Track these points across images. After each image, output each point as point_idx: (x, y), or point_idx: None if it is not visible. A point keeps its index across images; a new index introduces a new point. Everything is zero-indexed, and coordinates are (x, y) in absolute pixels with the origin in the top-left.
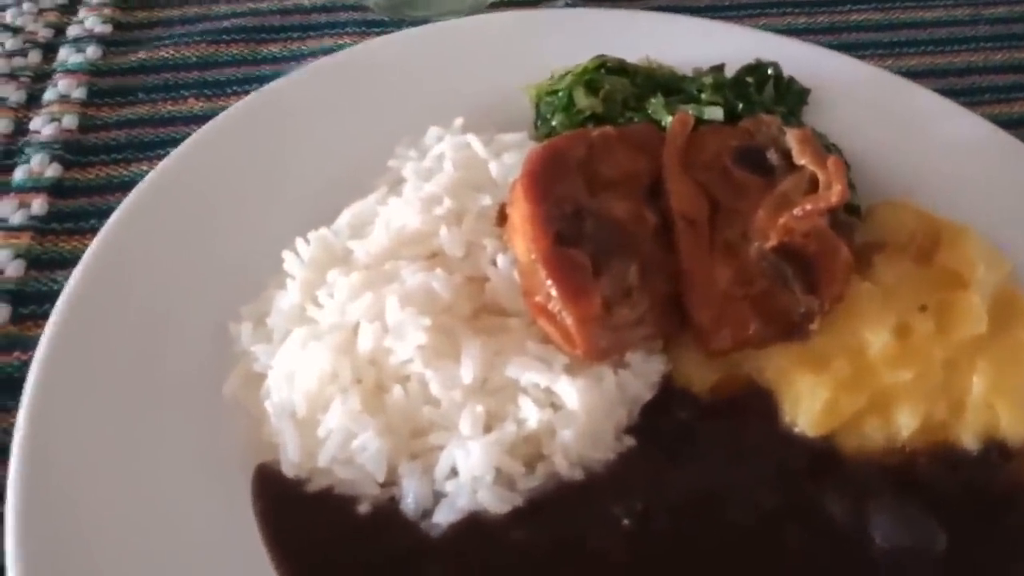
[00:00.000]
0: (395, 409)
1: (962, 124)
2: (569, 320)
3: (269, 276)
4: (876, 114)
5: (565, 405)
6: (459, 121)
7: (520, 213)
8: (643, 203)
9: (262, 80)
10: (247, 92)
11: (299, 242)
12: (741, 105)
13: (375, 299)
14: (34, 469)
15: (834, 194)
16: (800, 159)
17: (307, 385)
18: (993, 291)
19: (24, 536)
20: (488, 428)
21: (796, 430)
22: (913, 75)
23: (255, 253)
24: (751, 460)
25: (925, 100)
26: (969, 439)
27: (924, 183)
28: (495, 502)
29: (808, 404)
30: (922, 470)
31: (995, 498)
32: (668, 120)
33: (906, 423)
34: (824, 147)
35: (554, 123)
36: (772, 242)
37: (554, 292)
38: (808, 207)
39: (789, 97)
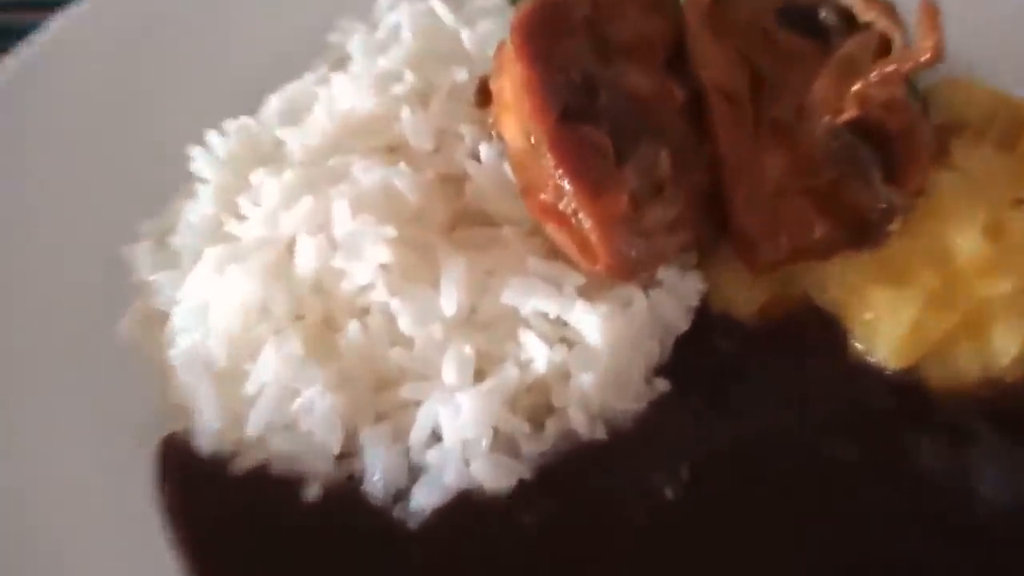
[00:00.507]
0: (351, 353)
1: None
2: (588, 222)
3: (174, 182)
4: None
5: (583, 339)
6: None
7: (514, 80)
8: (667, 75)
9: None
10: None
11: (212, 135)
12: None
13: (317, 204)
14: None
15: (928, 47)
16: (866, 15)
17: (226, 324)
18: None
19: None
20: (480, 374)
21: (871, 361)
22: None
23: (155, 152)
24: (819, 401)
25: None
26: None
27: (992, 56)
28: (494, 475)
29: (889, 327)
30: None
31: None
32: None
33: (1005, 346)
34: None
35: None
36: (848, 114)
37: (567, 184)
38: (892, 67)
39: None
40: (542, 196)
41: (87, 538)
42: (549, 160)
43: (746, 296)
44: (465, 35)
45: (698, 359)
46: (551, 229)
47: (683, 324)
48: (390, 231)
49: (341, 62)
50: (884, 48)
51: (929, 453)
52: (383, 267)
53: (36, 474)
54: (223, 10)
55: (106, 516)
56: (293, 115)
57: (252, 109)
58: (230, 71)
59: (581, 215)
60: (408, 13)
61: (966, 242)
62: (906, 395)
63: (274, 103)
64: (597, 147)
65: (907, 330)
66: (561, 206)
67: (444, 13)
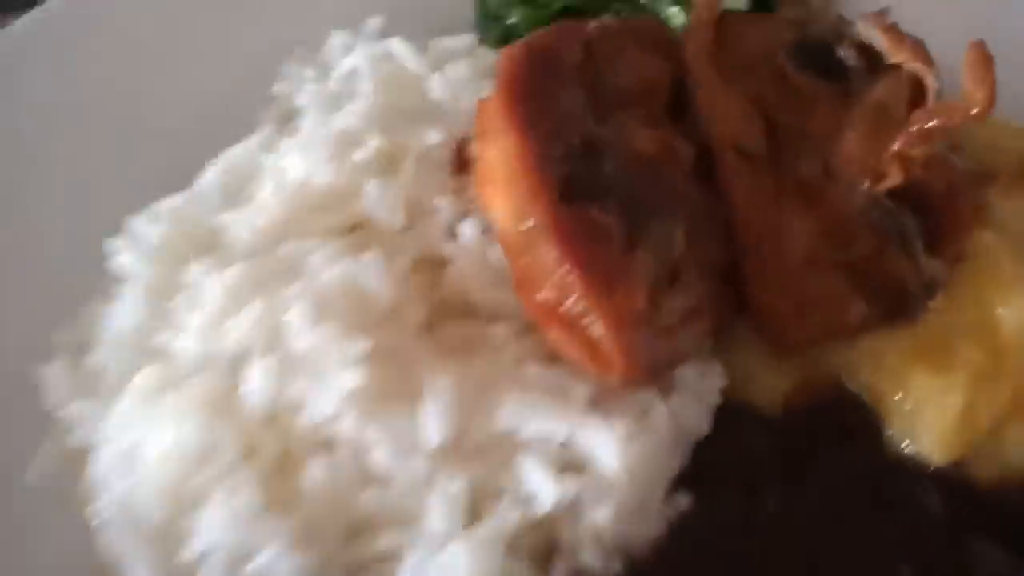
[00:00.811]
0: (315, 498)
1: None
2: (600, 324)
3: (92, 279)
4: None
5: (595, 464)
6: (375, 21)
7: (501, 152)
8: (670, 128)
9: None
10: None
11: (137, 221)
12: None
13: (268, 310)
14: None
15: (980, 100)
16: (896, 55)
17: (161, 470)
18: None
19: None
20: (473, 512)
21: (910, 453)
22: None
23: (70, 246)
24: (859, 505)
25: None
26: None
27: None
28: None
29: (933, 416)
30: None
31: None
32: (671, 12)
33: None
34: None
35: (512, 20)
36: (892, 180)
37: (572, 282)
38: (935, 122)
39: None
40: (542, 294)
41: None
42: (550, 251)
43: (770, 383)
44: (434, 83)
45: (721, 465)
46: (555, 333)
47: (705, 427)
48: (361, 345)
49: (289, 118)
50: (916, 94)
51: (990, 560)
52: (354, 393)
53: None
54: (148, 58)
55: None
56: (236, 190)
57: (185, 184)
58: (162, 134)
59: (591, 317)
60: (366, 57)
61: (1012, 311)
62: (955, 492)
63: (213, 175)
64: (606, 232)
65: (954, 420)
66: (565, 307)
67: (408, 56)
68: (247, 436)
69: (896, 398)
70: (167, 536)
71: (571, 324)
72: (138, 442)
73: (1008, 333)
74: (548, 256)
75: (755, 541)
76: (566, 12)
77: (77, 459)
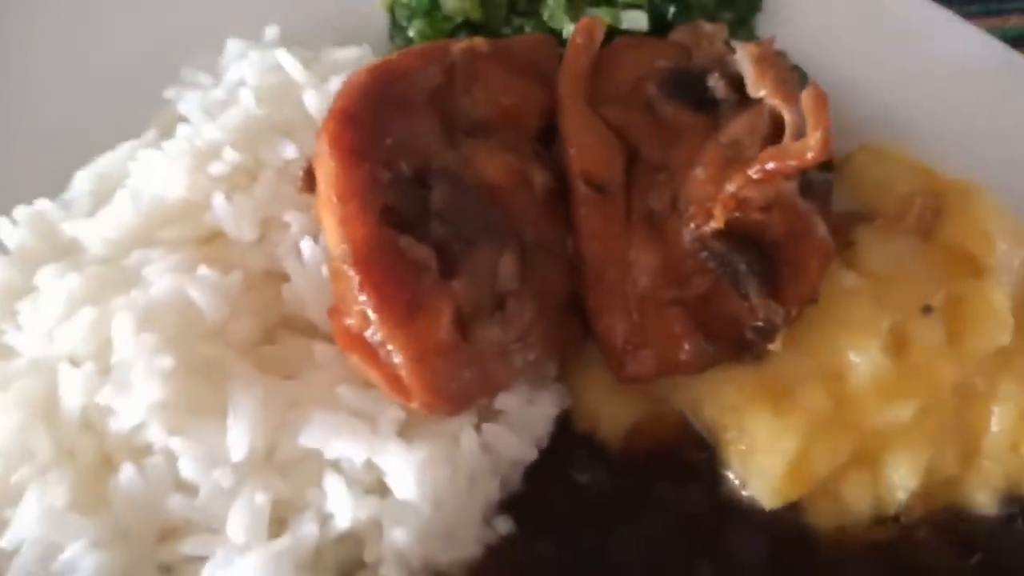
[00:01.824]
0: (125, 502)
1: (961, 39)
2: (399, 356)
3: None
4: (853, 28)
5: (394, 489)
6: (272, 31)
7: (325, 174)
8: (529, 156)
9: None
10: None
11: (1, 222)
12: (673, 9)
13: (98, 318)
14: None
15: (813, 146)
16: (758, 89)
17: None
18: (1019, 279)
19: None
20: (281, 524)
21: (746, 497)
22: None
23: None
24: (685, 547)
25: (918, 10)
26: (985, 498)
27: (917, 120)
28: None
29: (767, 462)
30: (924, 550)
31: None
32: (571, 30)
33: (902, 480)
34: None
35: (411, 33)
36: (717, 222)
37: (371, 312)
38: (772, 165)
39: (739, 0)
40: (348, 320)
41: None
42: (355, 277)
43: (614, 414)
44: (310, 96)
45: (553, 492)
46: (354, 361)
47: (530, 455)
48: (166, 361)
49: (174, 124)
50: (777, 129)
51: None
52: (157, 405)
53: None
54: (36, 54)
55: None
56: (105, 197)
57: (61, 188)
58: (42, 136)
59: (390, 347)
60: (254, 66)
61: (863, 358)
62: (785, 539)
63: (84, 182)
64: (415, 262)
65: (787, 466)
66: (367, 335)
67: (292, 67)
68: (66, 438)
69: (734, 438)
70: None
71: (374, 352)
72: None
73: (857, 380)
74: (353, 282)
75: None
76: (465, 26)
77: None
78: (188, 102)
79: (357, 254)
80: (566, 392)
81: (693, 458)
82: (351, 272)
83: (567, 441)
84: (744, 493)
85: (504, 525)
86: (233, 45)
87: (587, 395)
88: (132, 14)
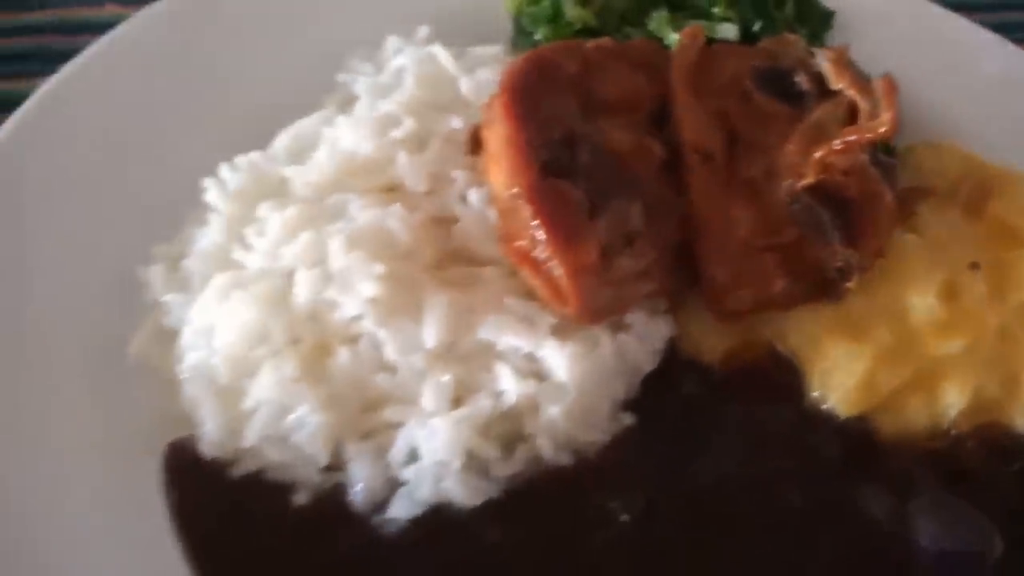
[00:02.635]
0: (341, 377)
1: (1011, 60)
2: (559, 270)
3: (187, 210)
4: (912, 46)
5: (552, 375)
6: (423, 30)
7: (499, 136)
8: (646, 133)
9: None
10: None
11: (224, 168)
12: (759, 23)
13: (315, 240)
14: None
15: (884, 122)
16: (837, 82)
17: (230, 345)
18: None
19: None
20: (456, 402)
21: (825, 408)
22: (954, 6)
23: (171, 181)
24: (772, 445)
25: (968, 33)
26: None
27: (967, 123)
28: (465, 493)
29: (842, 378)
30: (971, 457)
31: None
32: (673, 38)
33: (953, 401)
34: None
35: (537, 38)
36: (807, 180)
37: (541, 235)
38: (851, 137)
39: (812, 18)
40: (519, 243)
41: (96, 533)
42: (527, 210)
43: (712, 342)
44: (463, 83)
45: (663, 398)
46: (526, 273)
47: (649, 365)
48: (379, 268)
49: (348, 102)
50: (853, 116)
51: (875, 502)
52: (371, 301)
53: (50, 478)
54: (241, 50)
55: (116, 514)
56: (299, 153)
57: (264, 144)
58: (247, 109)
59: (553, 262)
60: (412, 58)
61: (922, 302)
62: (856, 443)
63: (283, 140)
64: (572, 201)
65: (858, 382)
66: (536, 253)
67: (446, 60)
68: (293, 327)
69: (815, 361)
70: (230, 393)
71: (539, 267)
72: (214, 324)
73: (915, 320)
74: (525, 214)
75: (680, 461)
76: (583, 32)
77: (168, 335)
78: (360, 84)
79: (530, 193)
80: (673, 323)
81: (779, 377)
82: (525, 207)
83: (674, 361)
84: (823, 406)
85: (627, 420)
86: (392, 41)
87: (689, 327)
88: (311, 19)
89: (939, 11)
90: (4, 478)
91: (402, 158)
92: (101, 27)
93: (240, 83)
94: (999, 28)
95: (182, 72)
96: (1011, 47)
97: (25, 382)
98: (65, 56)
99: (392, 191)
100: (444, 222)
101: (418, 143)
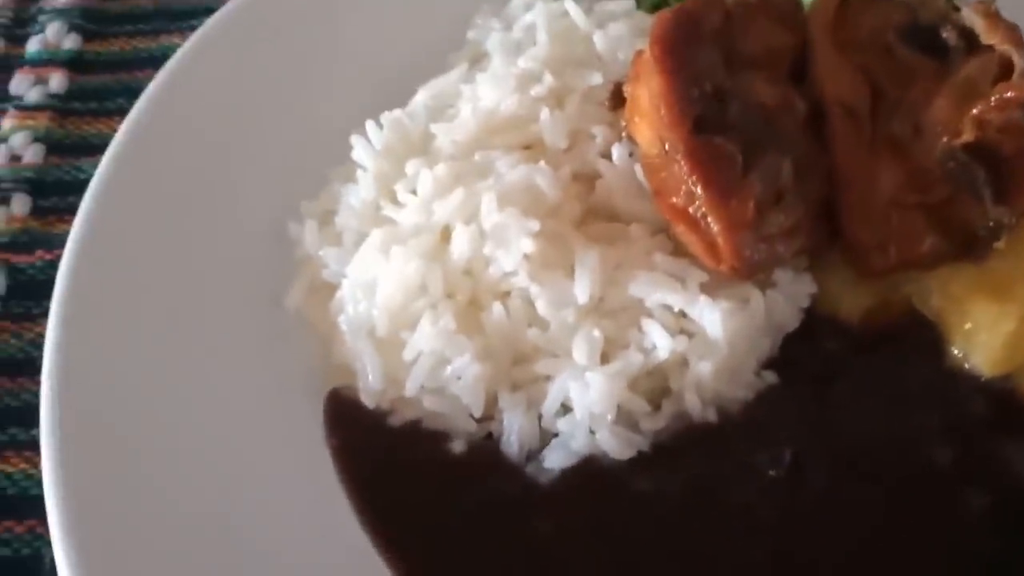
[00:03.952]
0: (494, 331)
1: None
2: (717, 226)
3: (333, 167)
4: None
5: (703, 332)
6: None
7: (652, 90)
8: (789, 87)
9: None
10: None
11: (370, 126)
12: None
13: (468, 196)
14: (69, 392)
15: None
16: (990, 38)
17: (389, 298)
18: None
19: (63, 473)
20: (605, 357)
21: (967, 368)
22: None
23: (317, 139)
24: (916, 402)
25: None
26: None
27: None
28: (616, 445)
29: (987, 337)
30: None
31: None
32: None
33: None
34: None
35: None
36: (966, 137)
37: (699, 190)
38: (1009, 95)
39: None
40: (674, 199)
41: (262, 473)
42: (683, 167)
43: (852, 300)
44: (597, 38)
45: (805, 357)
46: (680, 230)
47: (794, 323)
48: (533, 224)
49: (478, 59)
50: (1005, 71)
51: (1019, 457)
52: (526, 257)
53: (217, 429)
54: (373, 9)
55: (281, 457)
56: (439, 111)
57: (400, 104)
58: (382, 68)
59: (710, 219)
60: (543, 14)
61: None
62: (1000, 402)
63: (422, 97)
64: (727, 156)
65: (1004, 341)
66: (691, 210)
67: (577, 15)
68: (450, 281)
69: (958, 321)
70: (389, 344)
71: (695, 223)
72: (374, 278)
73: None
74: (681, 171)
75: (823, 418)
76: None
77: (323, 288)
78: (491, 41)
79: (686, 149)
80: (813, 282)
81: (919, 336)
82: (680, 163)
83: (813, 319)
84: (966, 365)
85: (770, 377)
86: None
87: (830, 285)
88: None
89: None
90: (166, 424)
91: (544, 115)
92: None
93: (377, 43)
94: None
95: (321, 31)
96: None
97: (186, 336)
98: (189, 15)
99: (532, 148)
100: (586, 179)
101: (557, 100)
